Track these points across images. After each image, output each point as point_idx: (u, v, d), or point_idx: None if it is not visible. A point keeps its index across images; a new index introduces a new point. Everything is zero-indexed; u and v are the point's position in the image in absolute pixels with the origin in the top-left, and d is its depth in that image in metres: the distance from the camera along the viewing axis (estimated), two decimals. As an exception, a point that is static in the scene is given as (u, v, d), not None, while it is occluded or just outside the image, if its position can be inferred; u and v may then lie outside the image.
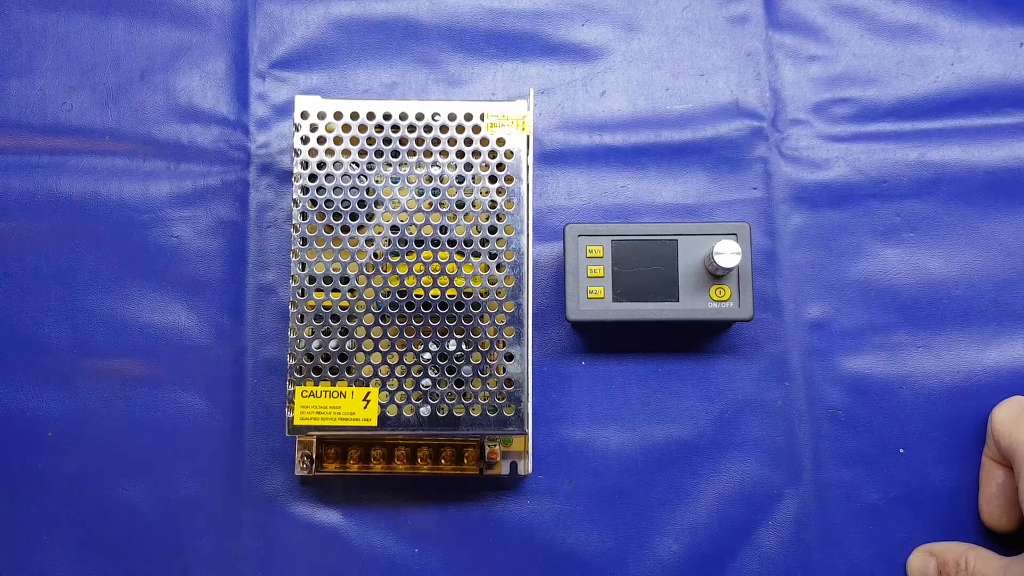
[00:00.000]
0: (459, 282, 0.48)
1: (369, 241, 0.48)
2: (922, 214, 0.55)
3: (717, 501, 0.52)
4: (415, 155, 0.49)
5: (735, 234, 0.50)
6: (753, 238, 0.52)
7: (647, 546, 0.51)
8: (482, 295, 0.48)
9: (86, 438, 0.52)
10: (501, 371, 0.48)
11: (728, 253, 0.48)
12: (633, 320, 0.50)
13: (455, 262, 0.48)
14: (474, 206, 0.49)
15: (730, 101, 0.56)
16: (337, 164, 0.49)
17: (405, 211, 0.49)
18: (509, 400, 0.47)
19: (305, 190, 0.49)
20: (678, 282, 0.50)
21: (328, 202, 0.48)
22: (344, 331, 0.48)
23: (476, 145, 0.49)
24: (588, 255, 0.50)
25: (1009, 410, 0.49)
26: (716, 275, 0.50)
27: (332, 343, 0.48)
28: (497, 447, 0.50)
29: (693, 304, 0.50)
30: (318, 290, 0.48)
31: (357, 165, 0.49)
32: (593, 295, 0.50)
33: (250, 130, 0.55)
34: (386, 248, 0.48)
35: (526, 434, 0.49)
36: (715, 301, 0.50)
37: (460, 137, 0.49)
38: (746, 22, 0.57)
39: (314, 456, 0.50)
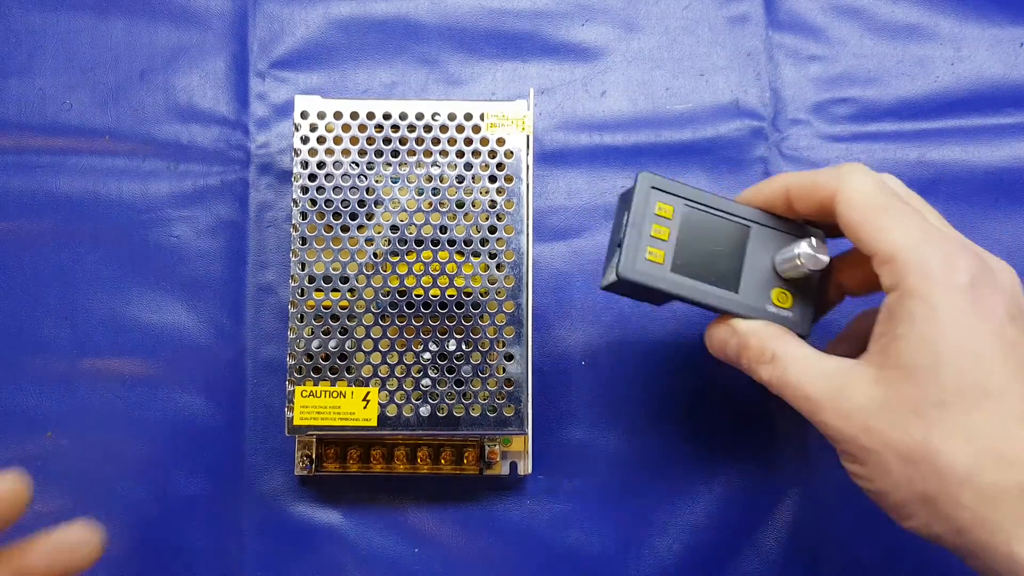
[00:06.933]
0: (459, 282, 0.48)
1: (369, 241, 0.48)
2: (922, 214, 0.55)
3: (717, 501, 0.52)
4: (415, 155, 0.49)
5: (822, 233, 0.45)
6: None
7: (647, 546, 0.51)
8: (482, 295, 0.48)
9: (86, 438, 0.52)
10: (501, 371, 0.48)
11: (818, 254, 0.43)
12: (687, 297, 0.43)
13: (455, 262, 0.48)
14: (474, 206, 0.49)
15: (730, 101, 0.56)
16: (337, 164, 0.49)
17: (405, 211, 0.49)
18: (509, 400, 0.47)
19: (305, 190, 0.49)
20: (741, 273, 0.44)
21: (328, 202, 0.48)
22: (344, 331, 0.48)
23: (476, 145, 0.49)
24: (657, 212, 0.44)
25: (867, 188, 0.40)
26: (785, 277, 0.44)
27: (332, 343, 0.48)
28: (497, 447, 0.50)
29: (753, 301, 0.44)
30: (318, 290, 0.48)
31: (357, 165, 0.49)
32: (652, 257, 0.43)
33: (250, 130, 0.55)
34: (386, 248, 0.48)
35: (526, 434, 0.49)
36: (775, 305, 0.44)
37: (460, 137, 0.49)
38: (746, 22, 0.57)
39: (314, 456, 0.50)
